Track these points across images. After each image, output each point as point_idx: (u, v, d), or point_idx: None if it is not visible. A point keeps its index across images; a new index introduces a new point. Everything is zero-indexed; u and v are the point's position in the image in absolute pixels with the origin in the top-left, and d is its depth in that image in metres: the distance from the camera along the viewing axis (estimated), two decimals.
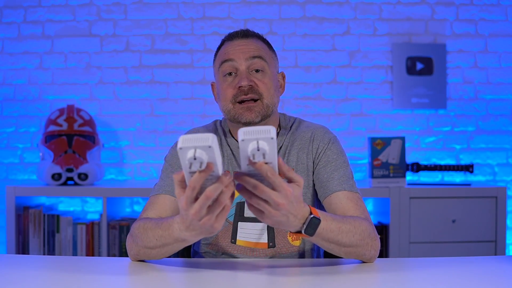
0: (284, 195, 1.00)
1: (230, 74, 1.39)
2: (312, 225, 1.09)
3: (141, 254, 1.25)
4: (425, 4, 2.91)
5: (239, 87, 1.36)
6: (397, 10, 2.91)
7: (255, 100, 1.37)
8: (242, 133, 0.95)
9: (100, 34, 2.91)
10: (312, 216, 1.09)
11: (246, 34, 1.43)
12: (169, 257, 1.28)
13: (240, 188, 1.01)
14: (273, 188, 1.00)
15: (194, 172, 0.96)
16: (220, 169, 0.98)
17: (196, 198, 0.99)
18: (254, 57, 1.38)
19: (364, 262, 1.26)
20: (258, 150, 0.95)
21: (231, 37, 1.43)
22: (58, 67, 2.92)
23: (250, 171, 0.99)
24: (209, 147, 0.93)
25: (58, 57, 2.92)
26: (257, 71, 1.39)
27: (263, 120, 1.39)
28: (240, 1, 2.91)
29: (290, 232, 1.11)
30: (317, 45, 2.91)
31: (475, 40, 2.91)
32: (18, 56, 2.92)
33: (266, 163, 0.97)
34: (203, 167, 0.95)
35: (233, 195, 1.02)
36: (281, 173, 1.02)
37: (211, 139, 0.94)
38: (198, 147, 0.94)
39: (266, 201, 1.01)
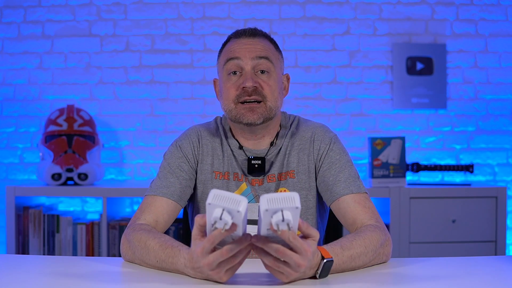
0: (305, 256, 0.99)
1: (234, 73, 1.37)
2: (325, 268, 1.07)
3: (136, 262, 1.22)
4: (425, 4, 2.91)
5: (243, 87, 1.34)
6: (397, 10, 2.91)
7: (259, 102, 1.35)
8: (266, 201, 0.93)
9: (100, 34, 2.91)
10: (325, 261, 1.06)
11: (254, 33, 1.40)
12: None
13: (256, 249, 1.00)
14: (292, 249, 0.98)
15: (217, 228, 0.95)
16: (241, 230, 0.97)
17: (213, 249, 0.99)
18: (261, 57, 1.36)
19: None
20: (283, 220, 0.93)
21: (238, 34, 1.40)
22: (58, 67, 2.92)
23: (269, 234, 0.98)
24: (238, 211, 0.93)
25: (58, 57, 2.92)
26: (262, 72, 1.36)
27: (265, 122, 1.38)
28: (240, 1, 2.91)
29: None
30: (317, 45, 2.91)
31: (475, 40, 2.91)
32: (18, 56, 2.92)
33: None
34: (227, 228, 0.94)
35: (245, 256, 1.01)
36: (299, 230, 1.00)
37: (242, 203, 0.93)
38: (227, 209, 0.93)
39: (285, 262, 0.99)
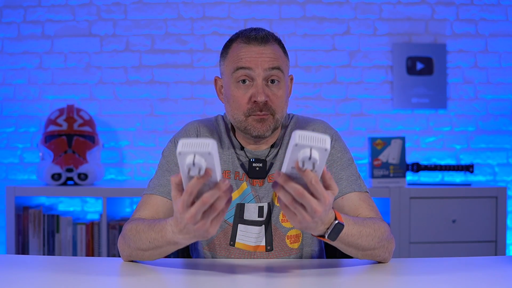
0: (323, 203, 0.99)
1: (243, 81, 1.34)
2: (335, 230, 1.08)
3: (134, 255, 1.24)
4: (425, 4, 2.91)
5: (254, 101, 1.32)
6: (397, 10, 2.91)
7: (267, 114, 1.34)
8: (298, 136, 0.93)
9: (100, 34, 2.91)
10: (337, 222, 1.08)
11: (265, 40, 1.34)
12: (167, 257, 1.27)
13: (276, 185, 1.00)
14: (312, 194, 0.98)
15: (192, 177, 0.95)
16: (218, 175, 0.97)
17: (193, 203, 0.99)
18: (273, 68, 1.33)
19: (379, 262, 1.26)
20: (310, 159, 0.94)
21: (248, 40, 1.34)
22: (58, 67, 2.92)
23: (292, 174, 0.98)
24: (209, 154, 0.93)
25: (58, 57, 2.92)
26: (272, 81, 1.34)
27: (273, 132, 1.38)
28: (240, 1, 2.91)
29: (312, 235, 1.11)
30: (317, 45, 2.91)
31: (475, 40, 2.91)
32: (18, 56, 2.92)
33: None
34: (202, 173, 0.94)
35: (229, 200, 1.01)
36: (322, 178, 1.01)
37: (211, 145, 0.93)
38: (198, 153, 0.93)
39: (303, 206, 1.00)
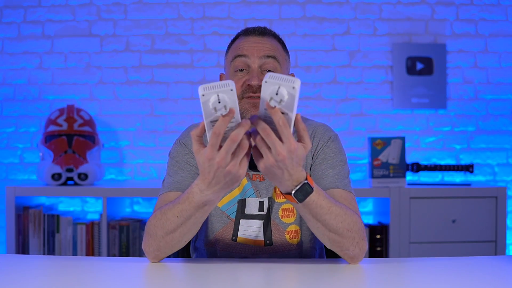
0: (287, 148, 1.01)
1: (241, 70, 1.38)
2: (303, 191, 1.09)
3: (162, 246, 1.22)
4: (425, 4, 2.91)
5: (249, 85, 1.35)
6: (397, 10, 2.91)
7: None
8: (268, 76, 0.98)
9: (100, 34, 2.91)
10: (306, 181, 1.09)
11: (263, 32, 1.41)
12: (168, 257, 1.27)
13: (254, 131, 1.03)
14: (280, 138, 1.01)
15: (215, 121, 0.99)
16: (239, 115, 1.01)
17: (220, 147, 1.01)
18: (268, 56, 1.37)
19: (349, 262, 1.24)
20: (277, 94, 0.98)
21: (247, 32, 1.41)
22: (58, 67, 2.92)
23: (266, 117, 1.01)
24: (231, 90, 0.97)
25: (58, 57, 2.92)
26: (268, 71, 1.37)
27: None
28: (240, 1, 2.91)
29: (280, 192, 1.11)
30: (317, 45, 2.91)
31: (475, 40, 2.91)
32: (18, 56, 2.92)
33: (282, 113, 0.99)
34: (227, 110, 0.98)
35: (251, 145, 1.04)
36: (296, 129, 1.04)
37: (231, 83, 0.97)
38: (220, 92, 0.97)
39: (269, 148, 1.02)
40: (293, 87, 0.97)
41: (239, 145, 1.01)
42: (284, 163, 1.02)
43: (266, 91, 0.98)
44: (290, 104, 0.98)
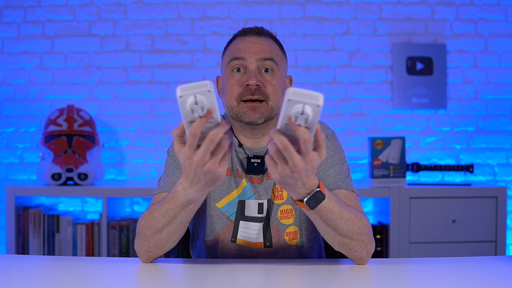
0: (305, 160, 1.00)
1: (238, 70, 1.37)
2: (315, 198, 1.09)
3: (152, 246, 1.22)
4: (425, 4, 2.91)
5: (247, 85, 1.34)
6: (397, 10, 2.91)
7: (261, 101, 1.35)
8: (291, 93, 0.95)
9: (100, 34, 2.91)
10: (318, 189, 1.08)
11: (260, 32, 1.40)
12: (167, 256, 1.27)
13: (270, 141, 1.02)
14: (298, 151, 1.00)
15: (194, 121, 0.98)
16: (218, 115, 1.00)
17: (198, 146, 1.01)
18: (266, 58, 1.36)
19: (356, 263, 1.24)
20: (302, 114, 0.96)
21: (244, 33, 1.41)
22: (58, 67, 2.92)
23: (286, 130, 0.99)
24: (209, 91, 0.95)
25: (58, 57, 2.92)
26: (266, 70, 1.37)
27: (266, 121, 1.37)
28: (240, 1, 2.91)
29: (293, 199, 1.11)
30: (317, 45, 2.91)
31: (475, 40, 2.91)
32: (18, 56, 2.92)
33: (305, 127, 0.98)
34: (205, 111, 0.97)
35: (231, 145, 1.03)
36: (315, 139, 1.03)
37: (209, 84, 0.96)
38: (198, 93, 0.96)
39: (285, 160, 1.01)
40: (318, 105, 0.95)
41: (218, 145, 1.01)
42: (299, 174, 1.02)
43: (290, 109, 0.95)
44: (315, 120, 0.97)
